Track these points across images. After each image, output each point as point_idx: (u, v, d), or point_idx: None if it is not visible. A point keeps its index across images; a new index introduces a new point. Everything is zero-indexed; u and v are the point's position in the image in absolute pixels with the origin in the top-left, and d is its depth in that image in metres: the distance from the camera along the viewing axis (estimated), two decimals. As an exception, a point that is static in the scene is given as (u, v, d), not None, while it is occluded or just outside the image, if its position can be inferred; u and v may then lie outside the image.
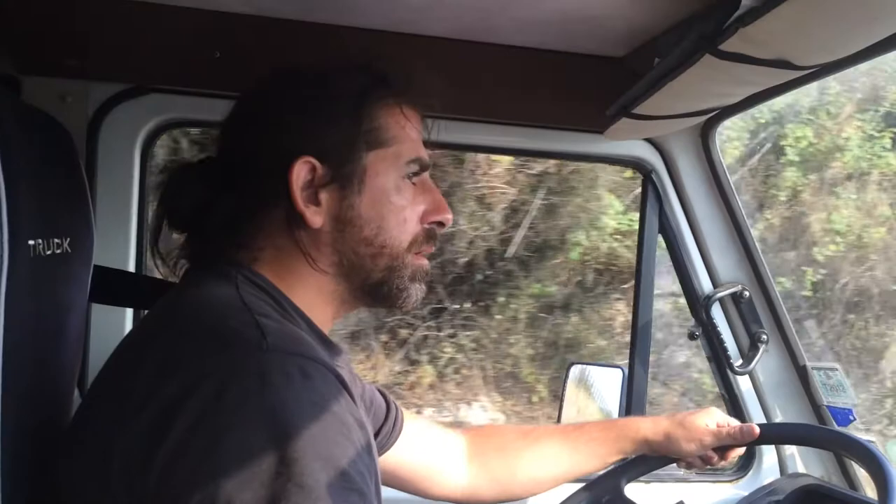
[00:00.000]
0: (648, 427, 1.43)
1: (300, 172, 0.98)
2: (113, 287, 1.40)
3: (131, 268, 1.56)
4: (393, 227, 1.03)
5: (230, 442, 0.77)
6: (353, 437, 0.84)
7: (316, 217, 0.99)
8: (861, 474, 1.70)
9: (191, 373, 0.82)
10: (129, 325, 1.59)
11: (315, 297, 1.02)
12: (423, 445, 1.40)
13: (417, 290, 1.07)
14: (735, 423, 1.42)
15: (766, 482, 1.78)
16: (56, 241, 1.01)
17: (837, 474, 1.75)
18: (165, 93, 1.54)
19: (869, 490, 1.62)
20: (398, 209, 1.03)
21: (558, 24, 1.41)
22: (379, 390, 1.36)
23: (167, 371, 0.83)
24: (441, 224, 1.08)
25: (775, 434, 1.54)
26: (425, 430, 1.42)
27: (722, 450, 1.43)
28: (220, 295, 0.94)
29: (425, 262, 1.08)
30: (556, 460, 1.44)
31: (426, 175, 1.08)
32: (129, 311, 1.59)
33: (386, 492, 1.56)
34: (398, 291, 1.05)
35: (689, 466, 1.46)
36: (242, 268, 0.98)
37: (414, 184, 1.06)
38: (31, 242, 0.94)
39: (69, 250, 1.05)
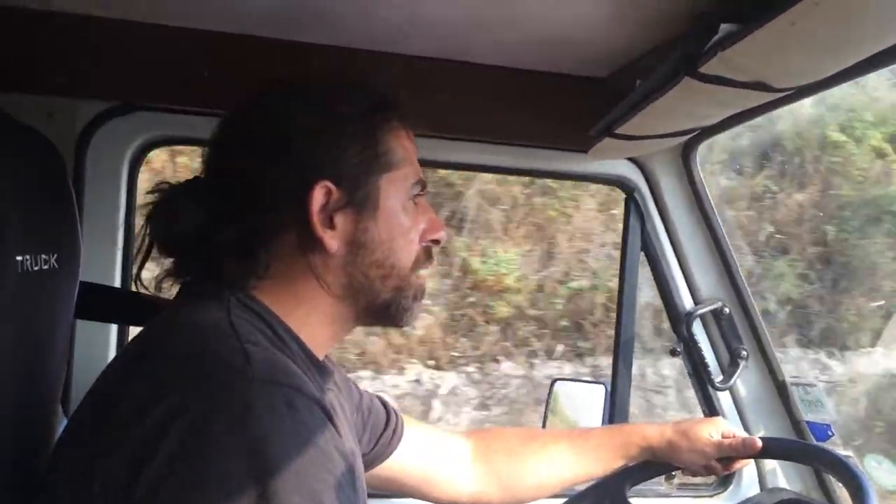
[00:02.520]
0: (653, 435, 1.44)
1: (318, 197, 0.97)
2: (98, 304, 1.40)
3: (117, 284, 1.55)
4: (401, 249, 1.03)
5: (211, 474, 0.76)
6: (336, 472, 0.83)
7: (332, 241, 0.98)
8: (842, 492, 1.72)
9: (175, 400, 0.81)
10: (113, 342, 1.58)
11: (316, 320, 1.01)
12: (427, 451, 1.41)
13: (418, 309, 1.07)
14: (741, 434, 1.42)
15: (746, 497, 1.80)
16: (44, 256, 1.01)
17: (816, 489, 1.76)
18: (153, 110, 1.54)
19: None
20: (406, 230, 1.04)
21: (540, 46, 1.44)
22: (379, 398, 1.37)
23: (153, 397, 0.82)
24: (437, 242, 1.09)
25: (777, 448, 1.49)
26: (428, 436, 1.43)
27: (725, 461, 1.43)
28: (209, 319, 0.92)
29: (424, 280, 1.08)
30: (562, 465, 1.45)
31: (423, 195, 1.09)
32: (114, 328, 1.59)
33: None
34: (403, 311, 1.05)
35: (693, 475, 1.47)
36: (237, 291, 0.96)
37: (416, 204, 1.06)
38: (18, 258, 0.95)
39: (56, 266, 1.06)
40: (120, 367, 0.96)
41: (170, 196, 1.02)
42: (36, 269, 0.99)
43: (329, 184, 0.98)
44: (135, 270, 1.06)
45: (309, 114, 1.01)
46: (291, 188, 0.97)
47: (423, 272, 1.08)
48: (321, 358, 1.04)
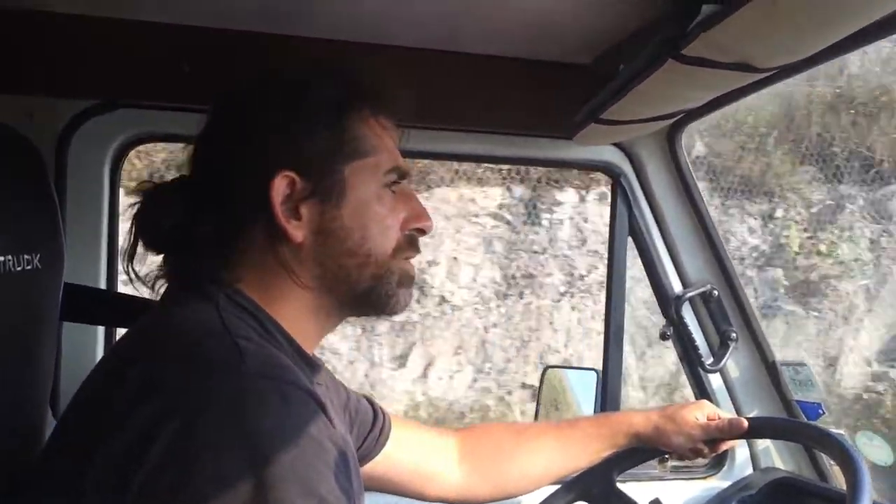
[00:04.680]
0: (639, 421, 1.45)
1: (280, 187, 0.96)
2: (84, 305, 1.38)
3: (102, 285, 1.54)
4: (376, 236, 1.01)
5: (206, 467, 0.76)
6: (331, 463, 0.83)
7: (297, 231, 0.97)
8: (835, 469, 1.72)
9: (168, 396, 0.80)
10: (100, 344, 1.57)
11: (300, 314, 1.00)
12: (415, 449, 1.41)
13: (405, 295, 1.06)
14: (726, 416, 1.43)
15: (739, 477, 1.81)
16: (26, 257, 1.00)
17: (809, 468, 1.78)
18: (135, 108, 1.53)
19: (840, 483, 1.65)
20: (380, 218, 1.02)
21: (523, 33, 1.43)
22: (366, 398, 1.37)
23: (144, 394, 0.81)
24: (422, 231, 1.08)
25: (764, 427, 1.50)
26: (415, 434, 1.43)
27: (712, 443, 1.44)
28: (199, 316, 0.92)
29: (412, 266, 1.07)
30: (549, 457, 1.46)
31: (405, 183, 1.08)
32: (101, 330, 1.57)
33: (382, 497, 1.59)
34: (387, 298, 1.04)
35: (680, 458, 1.48)
36: (225, 287, 0.96)
37: (394, 192, 1.05)
38: (0, 259, 0.94)
39: (39, 266, 1.04)
40: (109, 368, 0.95)
41: (153, 194, 1.02)
42: (18, 269, 0.98)
43: (292, 174, 0.97)
44: (122, 268, 1.05)
45: (275, 105, 1.00)
46: (254, 180, 0.96)
47: (409, 258, 1.07)
48: (310, 353, 1.04)
